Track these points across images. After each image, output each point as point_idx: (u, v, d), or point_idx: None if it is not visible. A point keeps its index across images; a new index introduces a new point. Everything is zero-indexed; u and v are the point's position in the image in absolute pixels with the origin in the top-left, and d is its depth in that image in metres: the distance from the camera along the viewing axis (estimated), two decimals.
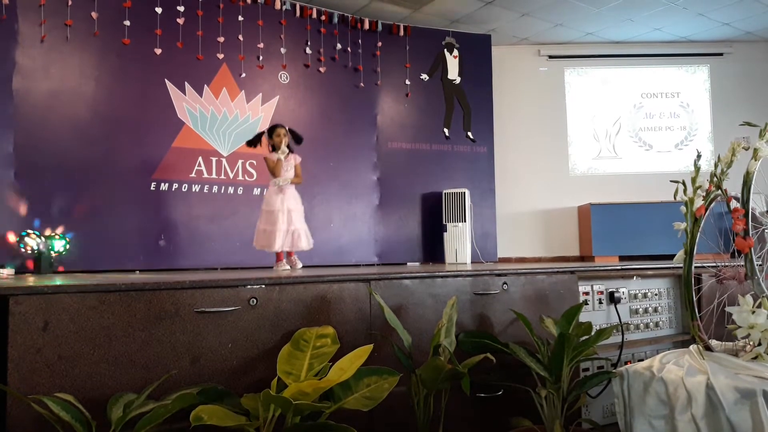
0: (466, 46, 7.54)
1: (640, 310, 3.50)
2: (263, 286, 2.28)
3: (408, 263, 6.95)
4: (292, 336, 2.18)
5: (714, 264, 2.86)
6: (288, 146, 4.44)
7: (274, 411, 1.93)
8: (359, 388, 2.09)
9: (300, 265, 4.42)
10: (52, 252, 4.87)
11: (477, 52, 7.58)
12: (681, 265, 2.71)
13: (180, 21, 5.83)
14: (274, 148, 4.40)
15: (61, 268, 5.02)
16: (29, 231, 4.87)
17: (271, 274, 2.93)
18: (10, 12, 5.00)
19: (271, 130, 4.45)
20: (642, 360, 2.87)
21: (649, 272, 3.56)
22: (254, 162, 6.10)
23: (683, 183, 2.66)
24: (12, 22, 5.03)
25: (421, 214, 7.19)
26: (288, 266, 4.35)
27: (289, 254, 4.45)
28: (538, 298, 3.01)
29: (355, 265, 6.54)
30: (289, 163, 4.43)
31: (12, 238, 4.88)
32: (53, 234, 4.96)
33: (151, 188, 5.63)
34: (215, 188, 5.97)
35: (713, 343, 2.67)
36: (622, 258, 7.02)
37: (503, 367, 2.67)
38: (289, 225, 4.31)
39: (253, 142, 4.46)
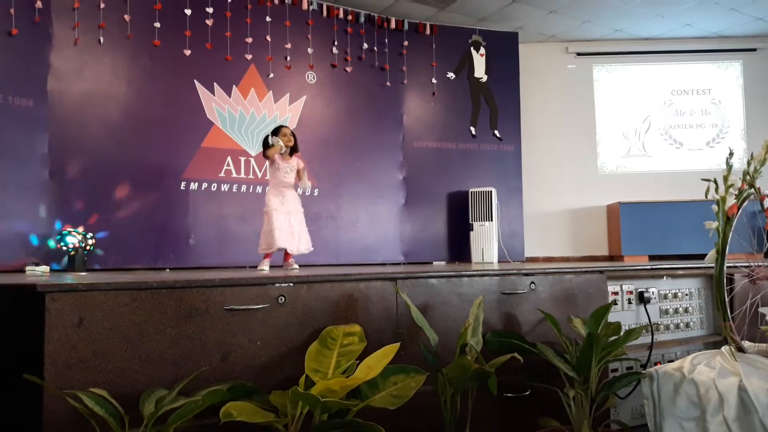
0: (492, 44, 7.50)
1: (671, 310, 3.45)
2: (291, 284, 2.30)
3: (434, 262, 6.95)
4: (319, 334, 2.19)
5: (747, 264, 2.81)
6: (293, 149, 4.37)
7: (302, 408, 1.95)
8: (386, 386, 2.10)
9: (296, 267, 4.34)
10: (85, 250, 4.97)
11: (504, 49, 7.54)
12: (713, 264, 2.67)
13: (209, 22, 5.90)
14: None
15: (93, 266, 5.13)
16: (70, 229, 4.97)
17: (300, 273, 2.96)
18: (44, 15, 5.11)
19: (277, 130, 4.41)
20: (672, 361, 2.83)
21: (680, 272, 3.51)
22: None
23: (715, 181, 2.62)
24: (46, 26, 5.14)
25: (447, 213, 7.18)
26: (265, 268, 4.27)
27: (286, 257, 4.39)
28: (566, 297, 2.99)
29: (382, 264, 6.56)
30: (291, 165, 4.35)
31: (47, 236, 4.99)
32: (86, 233, 5.06)
33: (181, 188, 5.72)
34: (243, 187, 6.03)
35: (746, 344, 2.63)
36: (651, 257, 6.92)
37: (531, 368, 2.66)
38: (291, 227, 4.28)
39: (265, 146, 4.41)
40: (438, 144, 7.21)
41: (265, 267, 4.25)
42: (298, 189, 4.38)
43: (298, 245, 4.26)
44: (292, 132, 4.34)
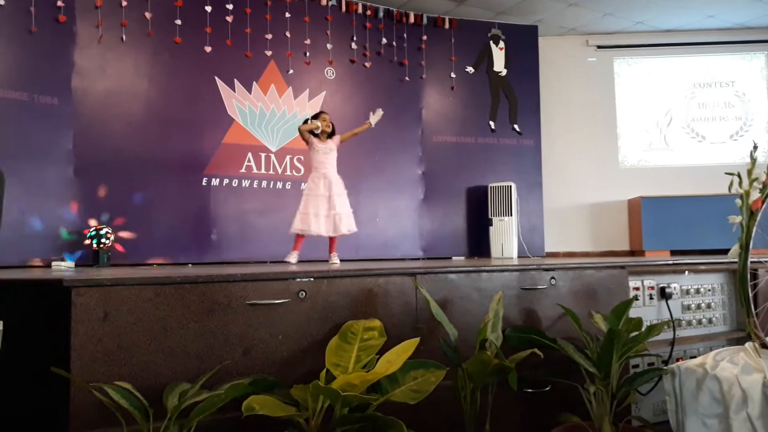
0: (512, 37, 7.45)
1: (693, 306, 3.42)
2: (312, 279, 2.32)
3: (453, 257, 6.94)
4: (339, 328, 2.21)
5: None
6: (331, 134, 4.56)
7: (323, 402, 1.97)
8: (406, 381, 2.11)
9: (337, 261, 4.43)
10: (109, 245, 5.05)
11: (523, 43, 7.49)
12: (736, 259, 2.64)
13: (229, 19, 5.94)
14: (318, 135, 4.49)
15: (117, 261, 5.20)
16: (94, 225, 5.05)
17: (320, 267, 2.98)
18: (68, 14, 5.18)
19: (317, 115, 4.57)
20: (694, 357, 2.80)
21: (702, 267, 3.47)
22: (302, 157, 6.18)
23: (738, 175, 2.59)
24: (71, 24, 5.22)
25: (466, 208, 7.16)
26: (294, 260, 4.36)
27: (330, 249, 4.48)
28: (586, 293, 2.98)
29: (401, 259, 6.57)
30: (328, 146, 4.50)
31: (71, 232, 5.07)
32: (110, 228, 5.14)
33: (203, 183, 5.77)
34: (264, 183, 6.07)
35: None
36: (673, 252, 6.85)
37: (551, 363, 2.65)
38: (330, 210, 4.35)
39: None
40: (457, 138, 7.19)
41: (292, 259, 4.32)
42: (373, 123, 4.67)
43: (339, 227, 4.33)
44: (331, 120, 4.53)
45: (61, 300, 1.90)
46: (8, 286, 2.30)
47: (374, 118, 4.65)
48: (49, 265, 4.86)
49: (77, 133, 5.19)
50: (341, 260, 4.58)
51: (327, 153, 4.45)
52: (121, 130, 5.42)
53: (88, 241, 4.97)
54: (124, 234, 5.28)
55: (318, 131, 4.43)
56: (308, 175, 4.65)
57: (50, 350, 2.00)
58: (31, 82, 5.00)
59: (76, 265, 4.93)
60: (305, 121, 4.55)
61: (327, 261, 4.49)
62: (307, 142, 4.47)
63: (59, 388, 1.87)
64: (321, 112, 4.62)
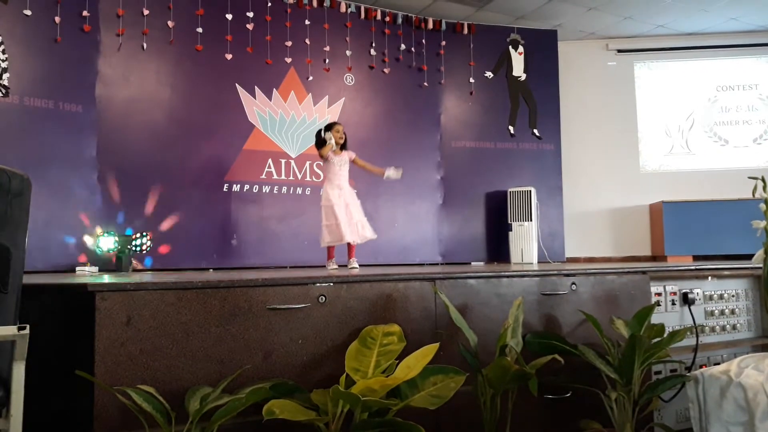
0: (531, 42, 7.43)
1: (716, 311, 3.38)
2: (332, 284, 2.33)
3: (472, 263, 6.92)
4: (359, 333, 2.22)
5: None
6: (343, 146, 4.58)
7: (343, 407, 1.98)
8: (426, 386, 2.11)
9: (356, 266, 4.48)
10: (132, 251, 5.11)
11: (543, 48, 7.46)
12: (760, 265, 2.61)
13: (249, 27, 6.00)
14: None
15: (139, 266, 5.26)
16: (118, 231, 5.11)
17: (340, 272, 2.99)
18: (93, 23, 5.27)
19: (329, 126, 4.58)
20: (718, 364, 2.77)
21: (726, 273, 3.43)
22: (321, 164, 6.20)
23: (762, 179, 2.56)
24: (95, 34, 5.30)
25: (485, 213, 7.14)
26: (335, 266, 4.43)
27: (350, 255, 4.52)
28: (608, 298, 2.96)
29: (420, 265, 6.56)
30: (343, 159, 4.54)
31: (95, 238, 5.15)
32: (133, 233, 5.20)
33: (224, 189, 5.83)
34: (284, 189, 6.11)
35: None
36: (696, 258, 6.76)
37: (572, 369, 2.64)
38: (350, 218, 4.42)
39: (318, 144, 4.57)
40: (476, 144, 7.18)
41: (333, 266, 4.40)
42: (386, 176, 4.65)
43: (363, 233, 4.43)
44: (343, 129, 4.55)
45: (86, 304, 1.93)
46: (34, 291, 2.34)
47: (390, 173, 4.65)
48: (73, 270, 4.93)
49: (101, 140, 5.27)
50: (360, 265, 4.60)
51: (342, 165, 4.51)
52: (143, 137, 5.49)
53: (111, 247, 5.03)
54: (147, 239, 5.33)
55: (334, 148, 4.48)
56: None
57: (75, 354, 2.03)
58: (56, 90, 5.09)
59: (100, 271, 5.00)
60: (318, 136, 4.56)
61: (346, 266, 4.51)
62: (326, 159, 4.53)
63: (83, 391, 1.90)
64: (334, 123, 4.63)
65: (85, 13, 5.22)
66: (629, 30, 7.63)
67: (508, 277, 2.77)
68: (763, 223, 2.58)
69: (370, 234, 4.53)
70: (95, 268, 4.94)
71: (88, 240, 5.15)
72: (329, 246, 4.50)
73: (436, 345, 2.10)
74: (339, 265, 4.49)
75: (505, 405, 2.41)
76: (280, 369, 2.18)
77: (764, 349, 3.03)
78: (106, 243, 4.98)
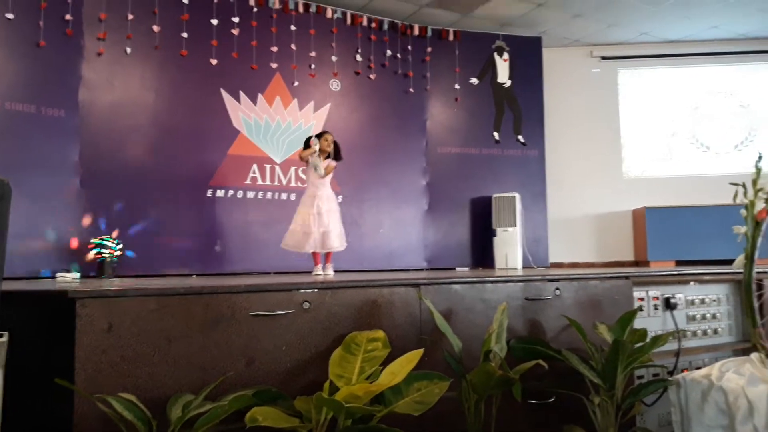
0: (516, 49, 7.48)
1: (698, 316, 3.41)
2: (316, 290, 2.32)
3: (457, 268, 6.93)
4: (343, 339, 2.21)
5: None
6: (329, 156, 4.51)
7: (327, 414, 1.97)
8: (410, 392, 2.11)
9: (331, 273, 4.44)
10: (114, 257, 5.06)
11: (527, 54, 7.51)
12: (741, 270, 2.64)
13: (235, 32, 5.98)
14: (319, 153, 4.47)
15: (121, 273, 5.21)
16: (99, 236, 5.07)
17: (324, 278, 2.99)
18: (76, 28, 5.23)
19: (321, 134, 4.55)
20: (700, 368, 2.79)
21: (707, 277, 3.46)
22: (305, 168, 6.19)
23: (743, 185, 2.59)
24: (78, 38, 5.26)
25: (470, 219, 7.16)
26: (321, 272, 4.39)
27: (326, 260, 4.50)
28: (591, 303, 2.97)
29: (405, 270, 6.56)
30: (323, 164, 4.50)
31: (80, 243, 5.10)
32: (115, 240, 5.15)
33: (208, 195, 5.79)
34: (269, 195, 6.09)
35: None
36: (678, 263, 6.82)
37: (555, 374, 2.64)
38: (320, 227, 4.37)
39: (306, 146, 4.54)
40: (461, 149, 7.20)
41: (320, 271, 4.36)
42: (316, 169, 4.44)
43: (328, 243, 4.36)
44: (334, 140, 4.49)
45: (66, 311, 1.91)
46: (13, 298, 2.31)
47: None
48: (53, 277, 4.87)
49: (84, 145, 5.22)
50: (345, 271, 4.58)
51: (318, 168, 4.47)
52: (127, 142, 5.45)
53: (93, 253, 4.99)
54: (129, 245, 5.29)
55: (317, 149, 4.42)
56: None
57: (55, 361, 2.00)
58: (38, 94, 5.04)
59: (82, 277, 4.95)
60: (307, 140, 4.54)
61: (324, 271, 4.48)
62: (307, 162, 4.49)
63: (63, 399, 1.88)
64: (324, 132, 4.60)
65: (68, 17, 5.19)
66: (613, 37, 7.71)
67: (492, 282, 2.77)
68: (743, 229, 2.61)
69: (336, 245, 4.45)
70: (76, 275, 4.90)
71: (69, 246, 5.10)
72: (314, 252, 4.47)
73: (421, 351, 2.09)
74: (297, 272, 4.42)
75: (489, 410, 2.41)
76: (263, 376, 2.16)
77: (745, 353, 3.05)
78: (87, 249, 4.93)
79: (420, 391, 2.11)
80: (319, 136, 4.52)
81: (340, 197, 6.35)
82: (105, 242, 4.99)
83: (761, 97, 7.91)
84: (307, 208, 4.39)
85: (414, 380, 2.12)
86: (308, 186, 4.52)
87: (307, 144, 4.52)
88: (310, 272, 4.52)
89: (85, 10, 5.30)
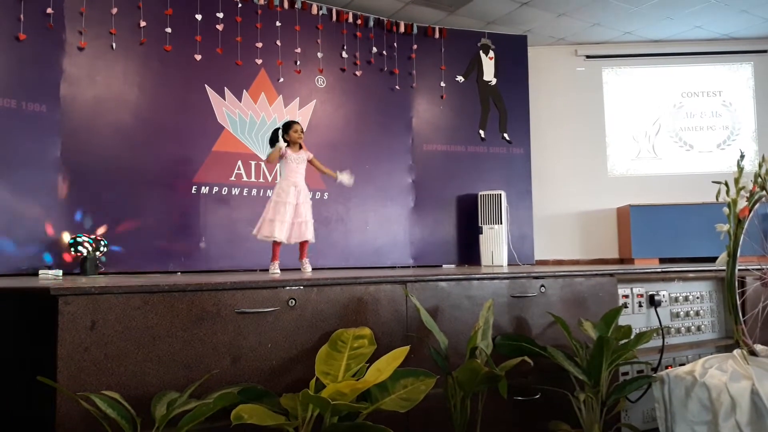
0: (501, 47, 7.50)
1: (681, 313, 3.44)
2: (302, 287, 2.31)
3: (443, 265, 6.94)
4: (329, 337, 2.21)
5: (759, 267, 2.80)
6: (301, 147, 4.48)
7: (313, 411, 1.96)
8: (396, 389, 2.10)
9: (309, 269, 4.42)
10: (97, 254, 5.01)
11: (513, 53, 7.53)
12: (724, 267, 2.66)
13: (219, 27, 5.94)
14: (289, 144, 4.43)
15: (105, 270, 5.16)
16: (82, 233, 5.01)
17: (310, 275, 2.97)
18: (57, 22, 5.16)
19: (288, 125, 4.48)
20: (683, 364, 2.82)
21: (691, 275, 3.49)
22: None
23: (726, 184, 2.62)
24: (60, 32, 5.19)
25: (456, 217, 7.17)
26: (278, 270, 4.34)
27: (301, 256, 4.47)
28: (576, 301, 2.99)
29: (391, 267, 6.56)
30: (300, 156, 4.45)
31: (62, 240, 5.03)
32: (99, 236, 5.10)
33: (193, 191, 5.75)
34: (254, 191, 6.06)
35: (758, 347, 2.61)
36: (662, 260, 6.88)
37: (541, 371, 2.66)
38: (296, 217, 4.36)
39: (273, 141, 4.49)
40: (447, 147, 7.21)
41: (276, 270, 4.31)
42: (339, 179, 4.51)
43: (303, 233, 4.34)
44: (301, 128, 4.46)
45: (49, 308, 1.88)
46: None
47: (344, 178, 4.58)
48: (36, 274, 4.81)
49: (65, 141, 5.16)
50: (330, 268, 4.57)
51: (299, 162, 4.45)
52: (110, 138, 5.39)
53: (75, 250, 4.93)
54: (112, 242, 5.24)
55: (283, 152, 4.38)
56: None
57: (38, 359, 1.98)
58: (19, 89, 4.96)
59: (64, 274, 4.89)
60: (275, 134, 4.48)
61: (298, 269, 4.45)
62: (280, 157, 4.44)
63: (46, 397, 1.85)
64: (292, 122, 4.53)
65: (49, 10, 5.11)
66: (598, 36, 7.75)
67: (478, 279, 2.78)
68: (726, 227, 2.63)
69: (309, 236, 4.44)
70: (59, 272, 4.83)
71: (51, 243, 5.03)
72: (274, 244, 4.39)
73: (407, 348, 2.09)
74: (282, 270, 4.36)
75: (475, 407, 2.42)
76: (248, 373, 2.15)
77: (727, 350, 3.09)
78: (69, 246, 4.87)
79: (406, 388, 2.11)
80: (287, 127, 4.44)
81: (326, 194, 6.34)
82: (79, 239, 4.93)
83: (743, 97, 8.01)
84: (286, 198, 4.34)
85: (400, 377, 2.12)
86: (287, 177, 4.43)
87: (275, 136, 4.46)
88: (297, 269, 4.50)
89: (67, 3, 5.22)
